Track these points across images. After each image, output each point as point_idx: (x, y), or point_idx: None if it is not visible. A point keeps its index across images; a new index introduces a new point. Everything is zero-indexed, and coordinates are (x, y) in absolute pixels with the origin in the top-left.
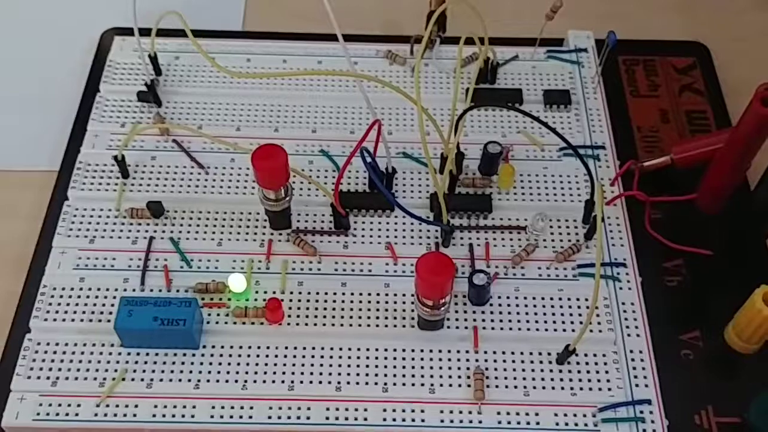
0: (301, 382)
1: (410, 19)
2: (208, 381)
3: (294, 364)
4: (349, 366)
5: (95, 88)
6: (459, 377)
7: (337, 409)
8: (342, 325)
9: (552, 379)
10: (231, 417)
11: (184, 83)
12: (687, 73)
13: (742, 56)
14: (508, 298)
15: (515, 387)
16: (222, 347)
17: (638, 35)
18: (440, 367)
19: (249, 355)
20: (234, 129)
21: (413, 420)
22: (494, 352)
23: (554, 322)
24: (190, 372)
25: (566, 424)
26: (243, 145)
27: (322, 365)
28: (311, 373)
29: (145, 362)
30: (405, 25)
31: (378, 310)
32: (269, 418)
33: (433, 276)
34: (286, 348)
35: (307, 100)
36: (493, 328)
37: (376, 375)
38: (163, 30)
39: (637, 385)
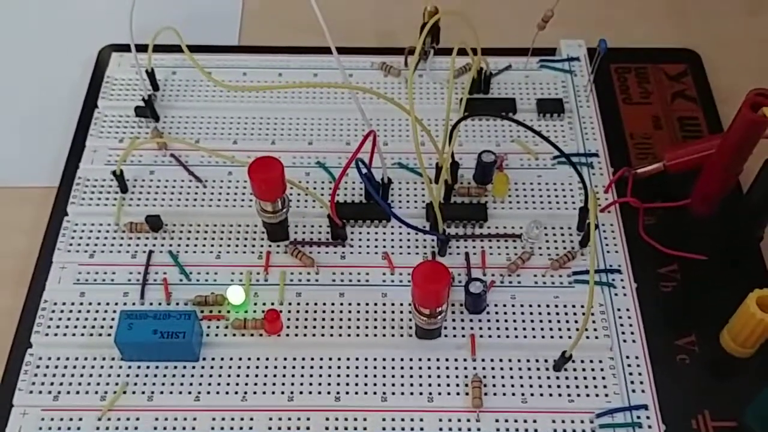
0: (301, 392)
1: (404, 31)
2: (208, 393)
3: (293, 375)
4: (347, 376)
5: (93, 104)
6: (457, 385)
7: (337, 419)
8: (340, 335)
9: (549, 386)
10: (231, 428)
11: (181, 98)
12: (679, 80)
13: (734, 62)
14: (504, 305)
15: (513, 394)
16: (222, 359)
17: (630, 43)
18: (438, 376)
19: (248, 367)
20: (231, 142)
21: (412, 429)
22: (491, 360)
23: (551, 329)
24: (191, 384)
25: (564, 431)
26: (240, 158)
27: (321, 375)
28: (310, 384)
29: (146, 375)
30: (399, 37)
31: (376, 319)
32: (269, 429)
33: (429, 284)
34: (285, 359)
35: (304, 112)
36: (490, 336)
37: (375, 384)
38: (160, 46)
39: (633, 391)
